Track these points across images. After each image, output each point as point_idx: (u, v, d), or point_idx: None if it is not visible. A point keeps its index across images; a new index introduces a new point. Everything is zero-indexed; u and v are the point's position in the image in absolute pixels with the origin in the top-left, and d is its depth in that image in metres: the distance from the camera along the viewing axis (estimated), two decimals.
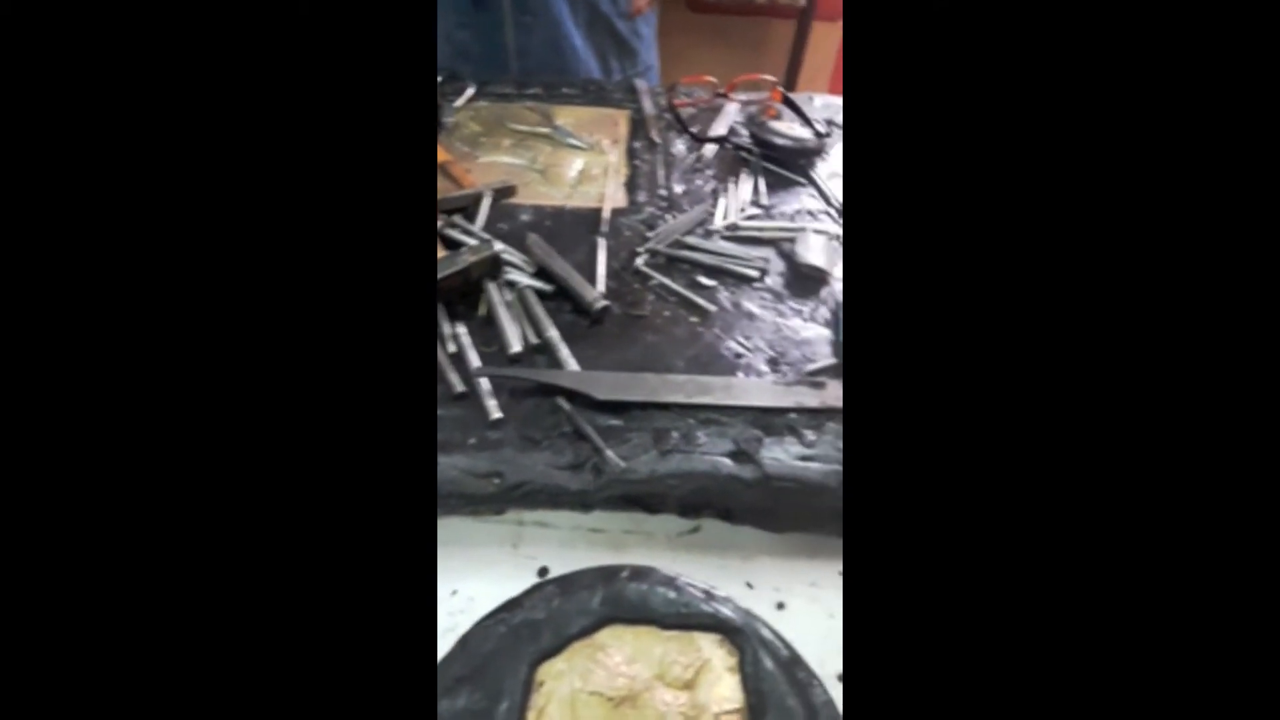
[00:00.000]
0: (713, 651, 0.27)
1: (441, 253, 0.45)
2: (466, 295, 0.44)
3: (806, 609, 0.37)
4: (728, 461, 0.36)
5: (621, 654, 0.26)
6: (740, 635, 0.27)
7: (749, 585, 0.38)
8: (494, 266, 0.44)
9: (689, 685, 0.26)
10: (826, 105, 0.67)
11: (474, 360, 0.40)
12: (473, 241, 0.46)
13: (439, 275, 0.41)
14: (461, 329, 0.42)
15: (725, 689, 0.26)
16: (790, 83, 1.31)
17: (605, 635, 0.27)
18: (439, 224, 0.48)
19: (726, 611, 0.27)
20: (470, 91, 0.64)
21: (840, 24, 1.32)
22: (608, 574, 0.28)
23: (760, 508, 0.36)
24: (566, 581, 0.28)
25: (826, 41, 1.33)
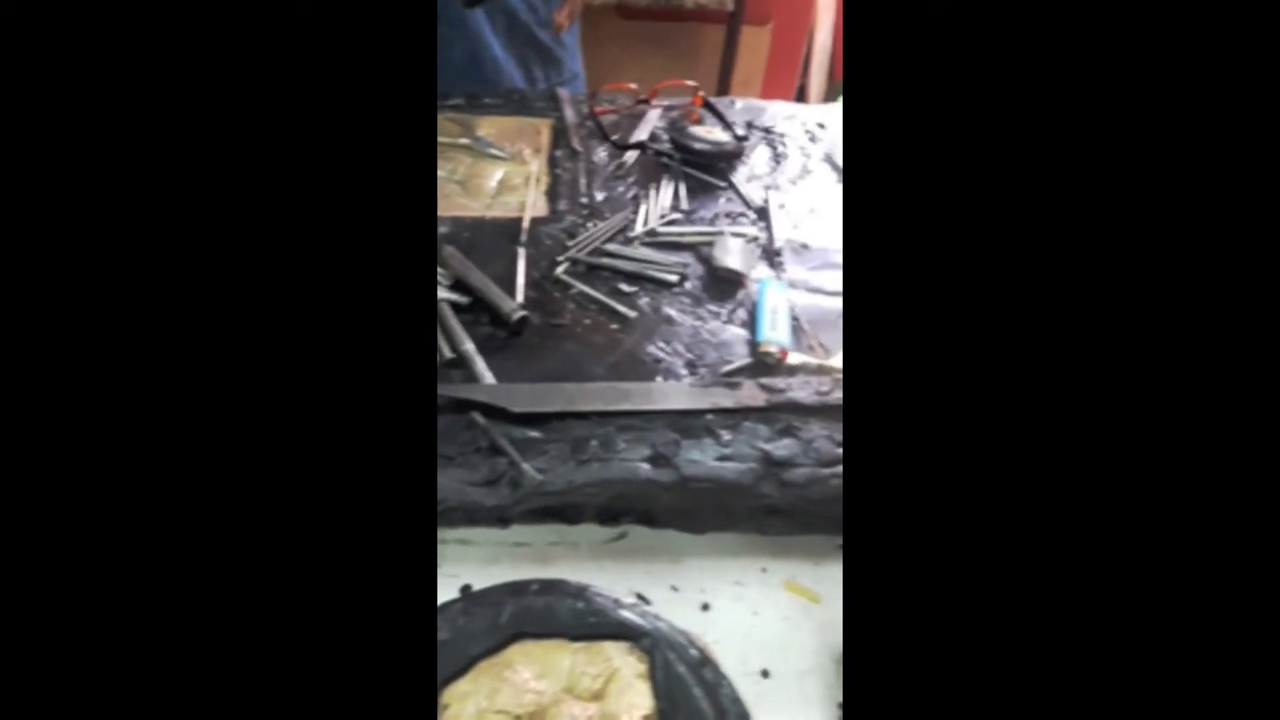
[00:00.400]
0: (622, 660, 0.27)
1: None
2: None
3: (731, 608, 0.37)
4: (646, 466, 0.36)
5: (530, 670, 0.26)
6: (649, 641, 0.27)
7: (674, 589, 0.38)
8: None
9: (598, 696, 0.26)
10: (748, 108, 0.68)
11: None
12: None
13: None
14: None
15: (635, 696, 0.26)
16: (723, 88, 1.33)
17: (513, 652, 0.26)
18: None
19: (634, 618, 0.27)
20: None
21: (769, 28, 1.35)
22: (516, 589, 0.28)
23: (680, 510, 0.37)
24: (474, 600, 0.28)
25: (756, 45, 1.35)
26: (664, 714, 0.25)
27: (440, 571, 0.37)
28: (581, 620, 0.27)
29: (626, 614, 0.27)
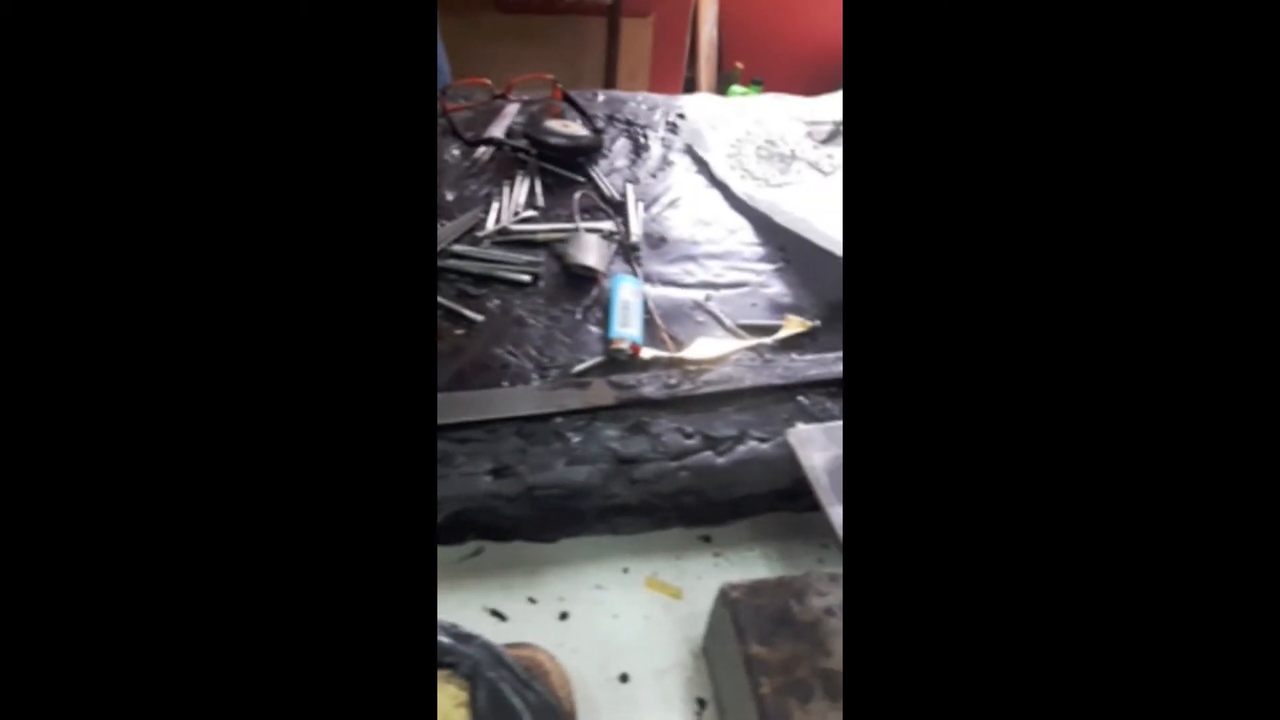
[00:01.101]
0: (439, 690, 0.25)
1: None
2: None
3: (589, 614, 0.36)
4: (488, 479, 0.35)
5: None
6: (468, 666, 0.25)
7: (532, 600, 0.36)
8: None
9: None
10: (609, 100, 0.67)
11: None
12: None
13: None
14: None
15: None
16: (610, 81, 1.33)
17: None
18: None
19: (453, 644, 0.26)
20: None
21: (650, 20, 1.35)
22: None
23: (527, 520, 0.35)
24: None
25: (639, 37, 1.35)
26: None
27: None
28: None
29: (444, 640, 0.26)
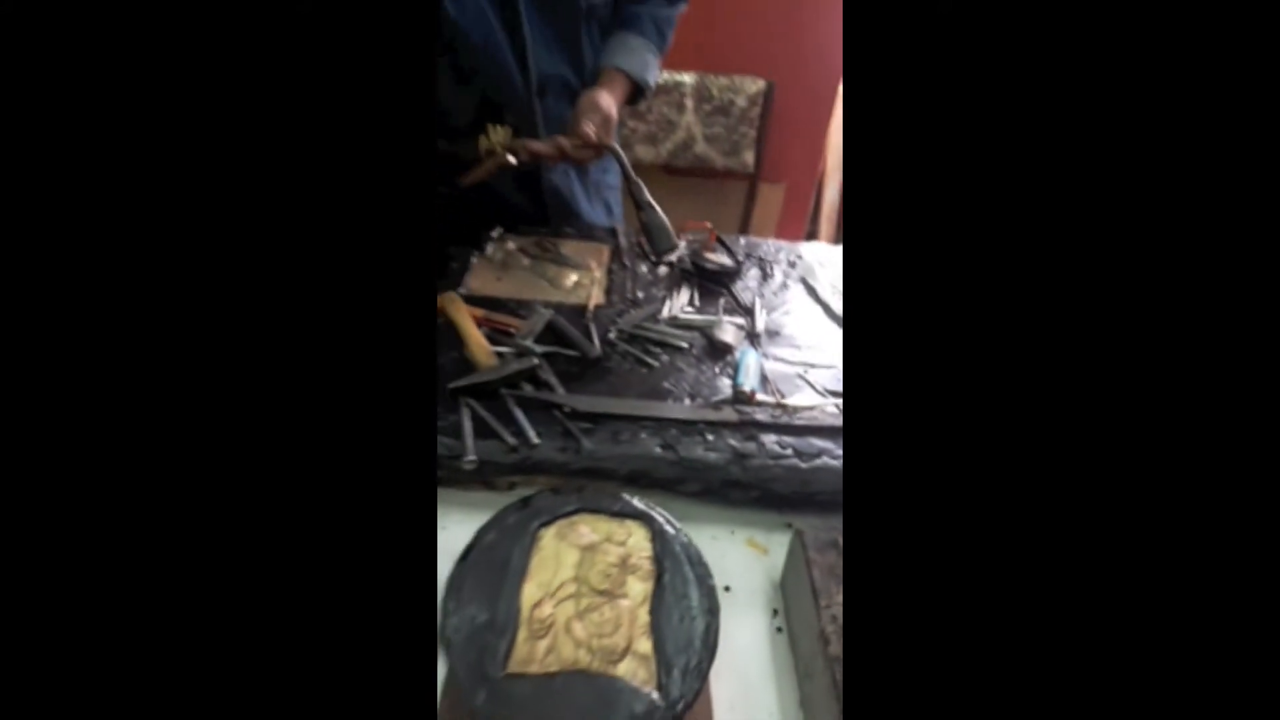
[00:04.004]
0: (635, 529, 0.47)
1: (493, 359, 0.64)
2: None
3: (708, 551, 0.56)
4: (657, 450, 0.58)
5: (586, 526, 0.47)
6: (650, 521, 0.47)
7: (732, 532, 0.58)
8: (531, 376, 0.64)
9: (622, 543, 0.46)
10: (748, 243, 0.95)
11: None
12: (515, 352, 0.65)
13: (490, 375, 0.61)
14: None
15: (642, 547, 0.46)
16: (744, 228, 1.65)
17: (577, 519, 0.47)
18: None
19: (642, 507, 0.48)
20: (499, 231, 0.92)
21: (782, 186, 1.69)
22: (578, 488, 0.49)
23: (677, 479, 0.58)
24: (555, 492, 0.49)
25: (772, 197, 1.69)
26: (657, 557, 0.45)
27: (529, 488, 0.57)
28: (614, 507, 0.48)
29: (638, 506, 0.48)
